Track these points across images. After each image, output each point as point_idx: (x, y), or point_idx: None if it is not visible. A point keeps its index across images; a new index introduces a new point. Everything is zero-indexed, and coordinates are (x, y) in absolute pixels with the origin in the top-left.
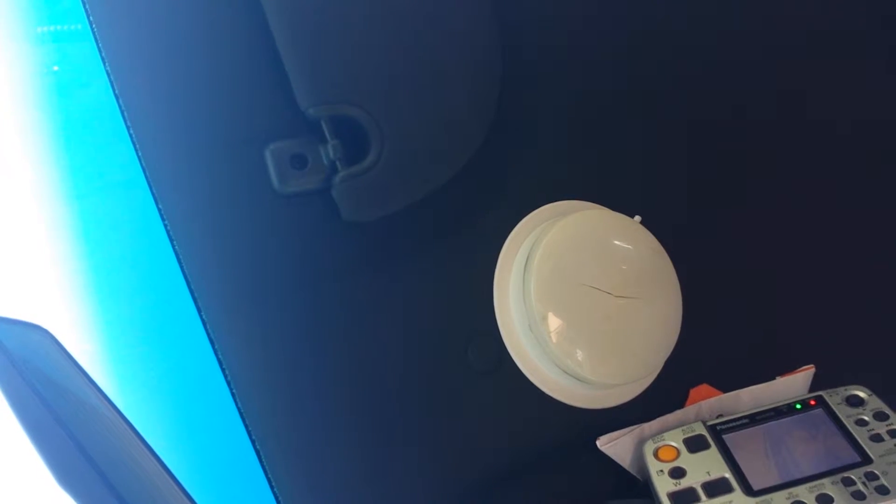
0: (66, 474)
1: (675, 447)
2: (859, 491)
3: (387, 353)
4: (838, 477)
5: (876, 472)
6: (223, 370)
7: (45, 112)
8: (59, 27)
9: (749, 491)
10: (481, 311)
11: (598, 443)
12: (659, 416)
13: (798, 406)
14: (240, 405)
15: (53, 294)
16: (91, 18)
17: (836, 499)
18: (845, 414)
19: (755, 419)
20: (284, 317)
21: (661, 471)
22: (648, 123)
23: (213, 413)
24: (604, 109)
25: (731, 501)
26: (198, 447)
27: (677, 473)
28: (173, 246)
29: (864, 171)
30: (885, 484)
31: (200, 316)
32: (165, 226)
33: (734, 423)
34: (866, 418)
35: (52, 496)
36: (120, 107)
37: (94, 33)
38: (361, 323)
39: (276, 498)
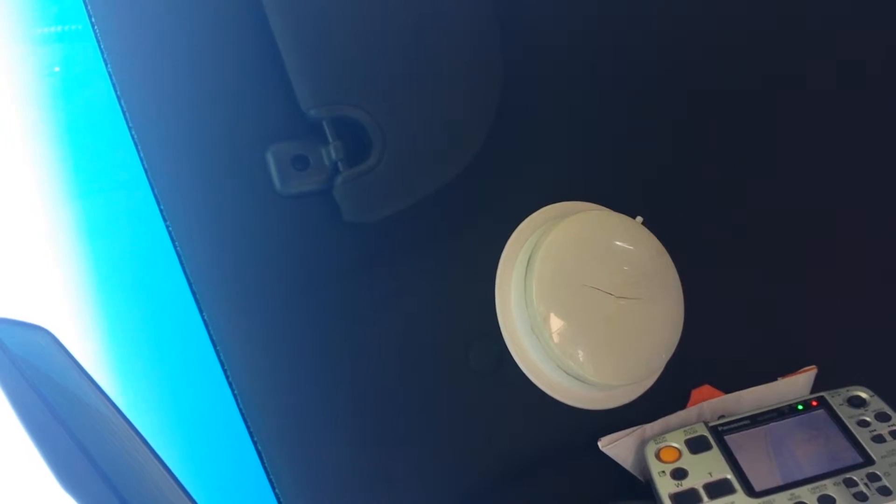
0: (67, 474)
1: (677, 448)
2: (861, 492)
3: (388, 353)
4: (840, 478)
5: (878, 473)
6: (224, 370)
7: (46, 113)
8: (60, 28)
9: (751, 492)
10: (483, 312)
11: (599, 444)
12: (661, 416)
13: (800, 407)
14: (241, 405)
15: (55, 295)
16: (93, 19)
17: (837, 500)
18: (847, 415)
19: (757, 420)
20: (286, 317)
21: (663, 472)
22: (649, 124)
23: (215, 413)
24: (605, 110)
25: (732, 502)
26: (199, 448)
27: (679, 474)
28: (175, 246)
29: (865, 171)
30: (888, 485)
31: (202, 316)
32: (167, 226)
33: (736, 424)
34: (868, 419)
35: (53, 497)
36: (121, 107)
37: (95, 34)
38: (363, 323)
39: (278, 498)
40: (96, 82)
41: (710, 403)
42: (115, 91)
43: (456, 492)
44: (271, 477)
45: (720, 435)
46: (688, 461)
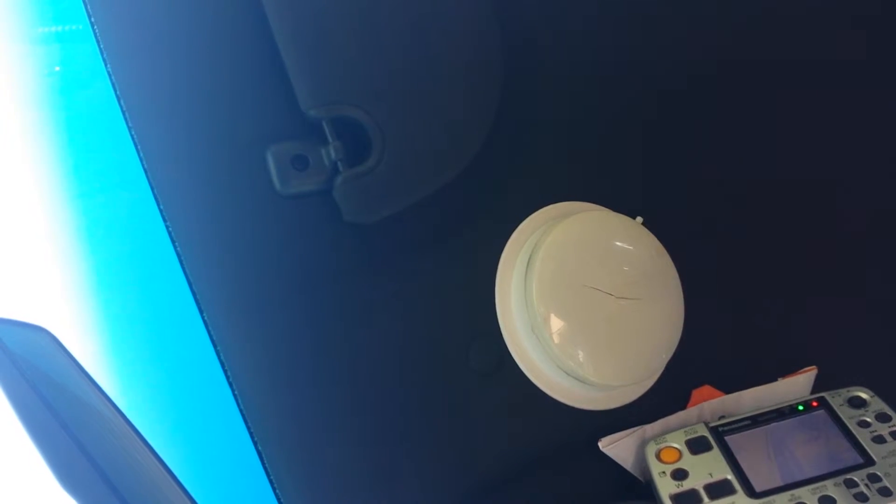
0: (67, 475)
1: (678, 449)
2: (862, 493)
3: (388, 354)
4: (840, 479)
5: (878, 473)
6: (224, 370)
7: (46, 112)
8: (60, 27)
9: (751, 492)
10: (483, 313)
11: (599, 444)
12: (661, 417)
13: (800, 407)
14: (241, 405)
15: (55, 295)
16: (92, 19)
17: (838, 500)
18: (847, 415)
19: (757, 420)
20: (286, 317)
21: (663, 472)
22: (650, 124)
23: (215, 413)
24: (604, 110)
25: (733, 503)
26: (199, 448)
27: (679, 475)
28: (175, 246)
29: (864, 171)
30: (888, 486)
31: (202, 316)
32: (167, 226)
33: (736, 425)
34: (868, 420)
35: (53, 497)
36: (121, 107)
37: (95, 34)
38: (363, 323)
39: (278, 498)
40: (96, 82)
41: (710, 404)
42: (115, 91)
43: (456, 492)
44: (271, 477)
45: (720, 435)
46: (688, 462)
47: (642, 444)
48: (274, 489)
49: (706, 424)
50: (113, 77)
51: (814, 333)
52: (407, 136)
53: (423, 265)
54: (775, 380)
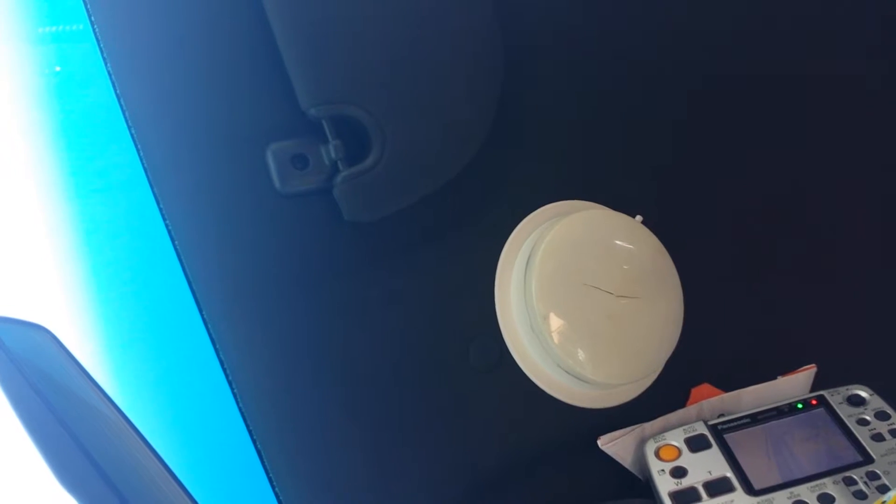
0: (67, 474)
1: (677, 447)
2: (861, 490)
3: (388, 352)
4: (840, 476)
5: (877, 471)
6: (224, 370)
7: (46, 112)
8: (60, 27)
9: (750, 490)
10: (482, 311)
11: (599, 442)
12: (660, 415)
13: (799, 405)
14: (241, 405)
15: (55, 294)
16: (92, 19)
17: (837, 498)
18: (847, 413)
19: (756, 419)
20: (285, 316)
21: (663, 470)
22: (649, 123)
23: (215, 413)
24: (605, 109)
25: (732, 501)
26: (199, 447)
27: (678, 473)
28: (174, 246)
29: (865, 173)
30: (887, 483)
31: (202, 315)
32: (167, 226)
33: (735, 423)
34: (868, 418)
35: (53, 496)
36: (121, 107)
37: (95, 34)
38: (363, 323)
39: (278, 497)
40: (96, 82)
41: (709, 402)
42: (115, 90)
43: (456, 491)
44: (271, 477)
45: (720, 433)
46: (687, 460)
47: (642, 443)
48: (274, 489)
49: (705, 422)
50: (113, 77)
51: (814, 332)
52: (407, 135)
53: (422, 264)
54: (775, 378)
